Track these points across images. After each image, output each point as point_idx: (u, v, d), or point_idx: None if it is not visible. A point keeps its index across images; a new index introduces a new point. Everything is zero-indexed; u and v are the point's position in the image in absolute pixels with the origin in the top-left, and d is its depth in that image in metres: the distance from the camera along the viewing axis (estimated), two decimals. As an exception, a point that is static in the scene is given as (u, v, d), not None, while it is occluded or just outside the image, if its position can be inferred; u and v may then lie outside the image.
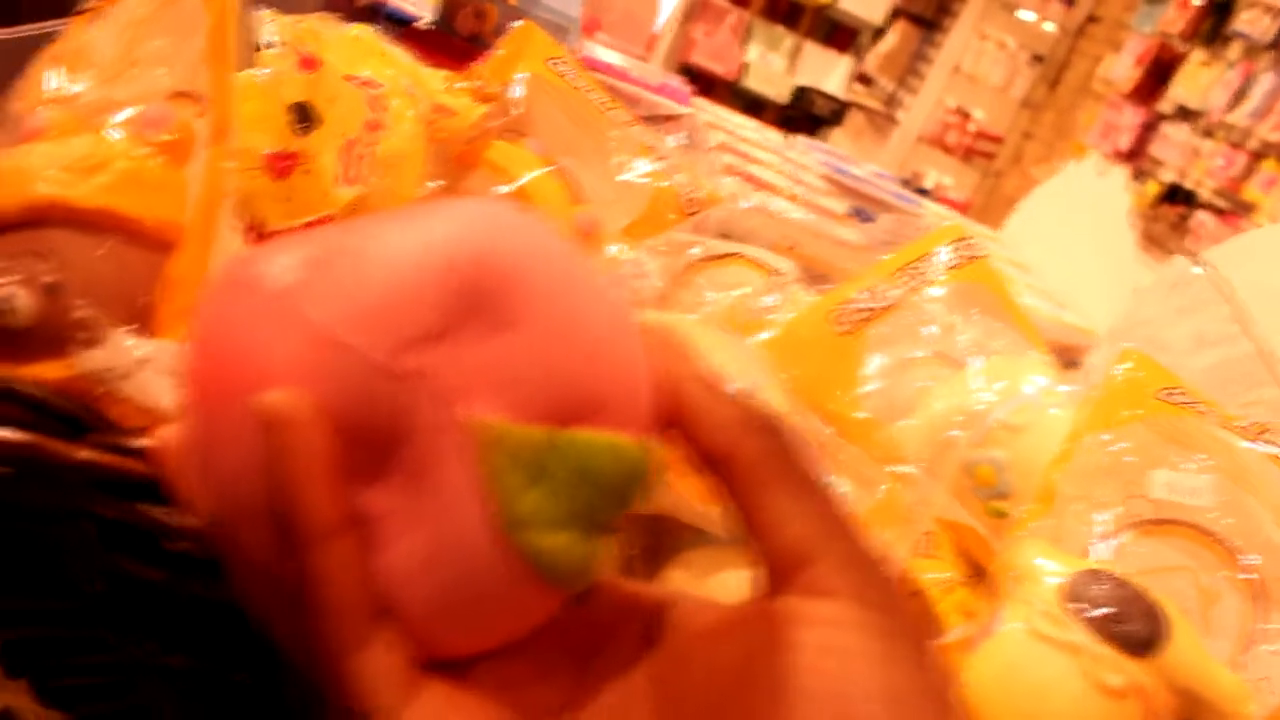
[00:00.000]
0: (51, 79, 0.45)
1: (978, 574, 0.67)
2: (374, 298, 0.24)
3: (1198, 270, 0.92)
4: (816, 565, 0.26)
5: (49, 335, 0.39)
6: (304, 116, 0.51)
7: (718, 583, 0.52)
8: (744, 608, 0.27)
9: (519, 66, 0.69)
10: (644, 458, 0.26)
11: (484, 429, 0.24)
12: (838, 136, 4.04)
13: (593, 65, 0.79)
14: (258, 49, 0.50)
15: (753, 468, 0.27)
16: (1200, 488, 0.58)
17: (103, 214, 0.40)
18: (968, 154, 4.93)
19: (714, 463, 0.27)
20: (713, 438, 0.27)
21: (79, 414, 0.38)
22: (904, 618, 0.26)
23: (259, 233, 0.53)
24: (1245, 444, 0.58)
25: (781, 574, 0.26)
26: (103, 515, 0.37)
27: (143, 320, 0.41)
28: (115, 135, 0.42)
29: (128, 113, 0.42)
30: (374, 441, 0.24)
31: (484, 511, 0.24)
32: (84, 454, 0.36)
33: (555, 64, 0.70)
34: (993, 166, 4.97)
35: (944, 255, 0.75)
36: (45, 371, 0.39)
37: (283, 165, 0.51)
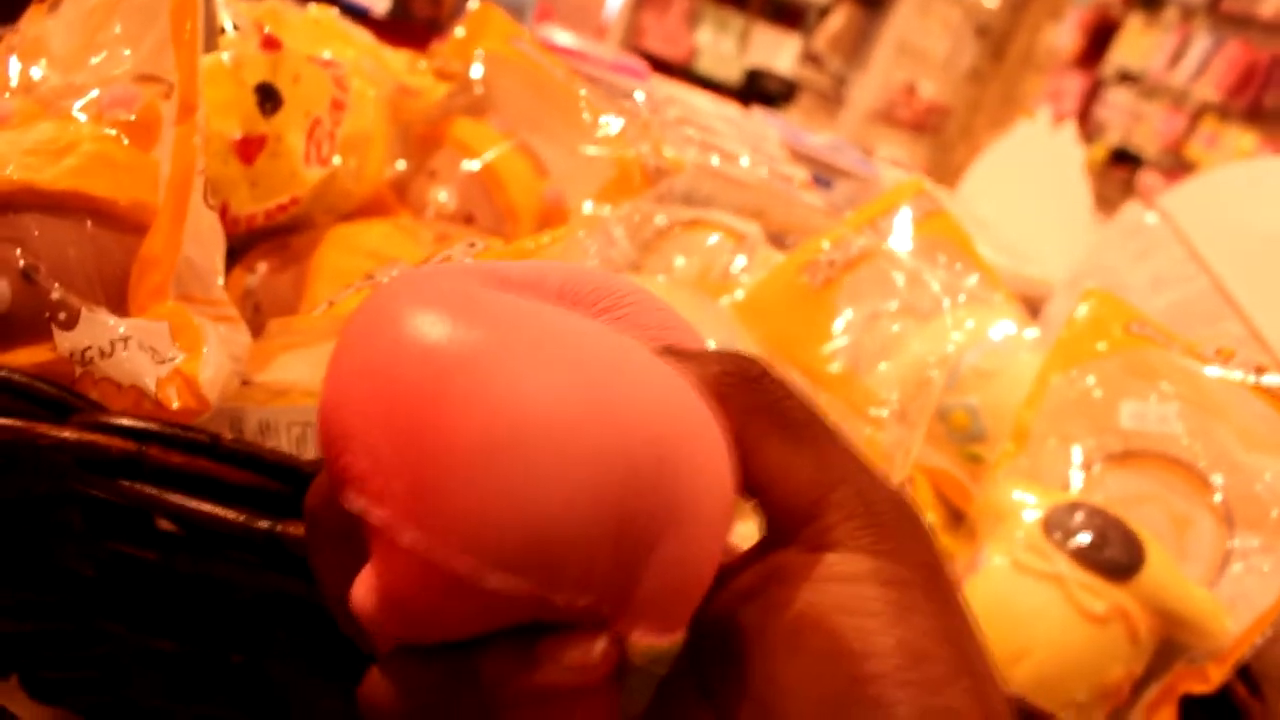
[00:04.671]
0: (11, 68, 0.45)
1: (956, 519, 0.68)
2: (539, 538, 0.22)
3: (1151, 216, 0.94)
4: (824, 516, 0.24)
5: (26, 319, 0.39)
6: (268, 96, 0.51)
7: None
8: (753, 566, 0.26)
9: (480, 45, 0.69)
10: None
11: (634, 651, 0.24)
12: (789, 116, 4.07)
13: (549, 48, 0.79)
14: (221, 33, 0.50)
15: (747, 417, 0.25)
16: (1167, 415, 0.59)
17: (73, 196, 0.40)
18: (917, 127, 4.97)
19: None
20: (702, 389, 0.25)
21: (62, 396, 0.38)
22: (919, 563, 0.24)
23: (228, 218, 0.53)
24: (1209, 369, 0.59)
25: (788, 527, 0.25)
26: (91, 496, 0.37)
27: (118, 300, 0.41)
28: (81, 119, 0.42)
29: (92, 96, 0.42)
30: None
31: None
32: (69, 434, 0.36)
33: (515, 42, 0.70)
34: (942, 139, 5.01)
35: (906, 210, 0.76)
36: (25, 356, 0.39)
37: (250, 148, 0.51)
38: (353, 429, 0.23)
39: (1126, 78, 4.43)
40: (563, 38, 1.13)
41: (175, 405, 0.37)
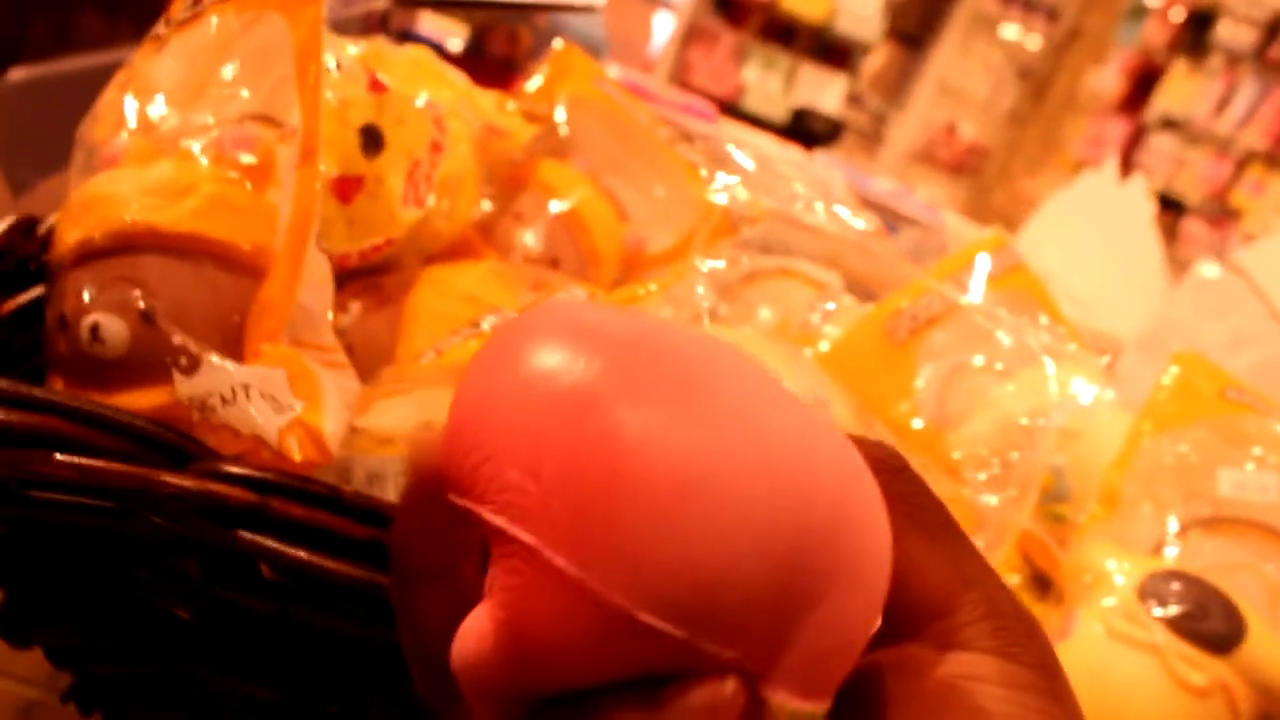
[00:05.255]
0: (127, 105, 0.45)
1: (1037, 579, 0.67)
2: (698, 580, 0.21)
3: (1212, 270, 0.92)
4: (954, 615, 0.25)
5: (144, 363, 0.39)
6: (372, 139, 0.51)
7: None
8: (876, 655, 0.26)
9: (564, 86, 0.69)
10: None
11: (780, 714, 0.23)
12: (833, 155, 4.07)
13: (630, 89, 0.79)
14: (324, 72, 0.50)
15: (889, 507, 0.25)
16: (1268, 485, 0.58)
17: (193, 239, 0.40)
18: (956, 168, 4.97)
19: None
20: None
21: (179, 442, 0.37)
22: (1041, 667, 0.24)
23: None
24: (1309, 439, 0.58)
25: (915, 621, 0.25)
26: (207, 545, 0.36)
27: (236, 345, 0.40)
28: (201, 159, 0.42)
29: (211, 137, 0.42)
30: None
31: None
32: (190, 483, 0.35)
33: (598, 83, 0.70)
34: (981, 181, 5.00)
35: (986, 263, 0.75)
36: (141, 400, 0.39)
37: (349, 188, 0.51)
38: (508, 437, 0.22)
39: (1170, 124, 4.41)
40: (626, 76, 1.13)
41: (298, 457, 0.37)
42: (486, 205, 0.65)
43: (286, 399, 0.38)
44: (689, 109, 0.98)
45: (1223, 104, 4.22)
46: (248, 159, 0.42)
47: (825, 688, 0.23)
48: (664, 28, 3.63)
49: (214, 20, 0.45)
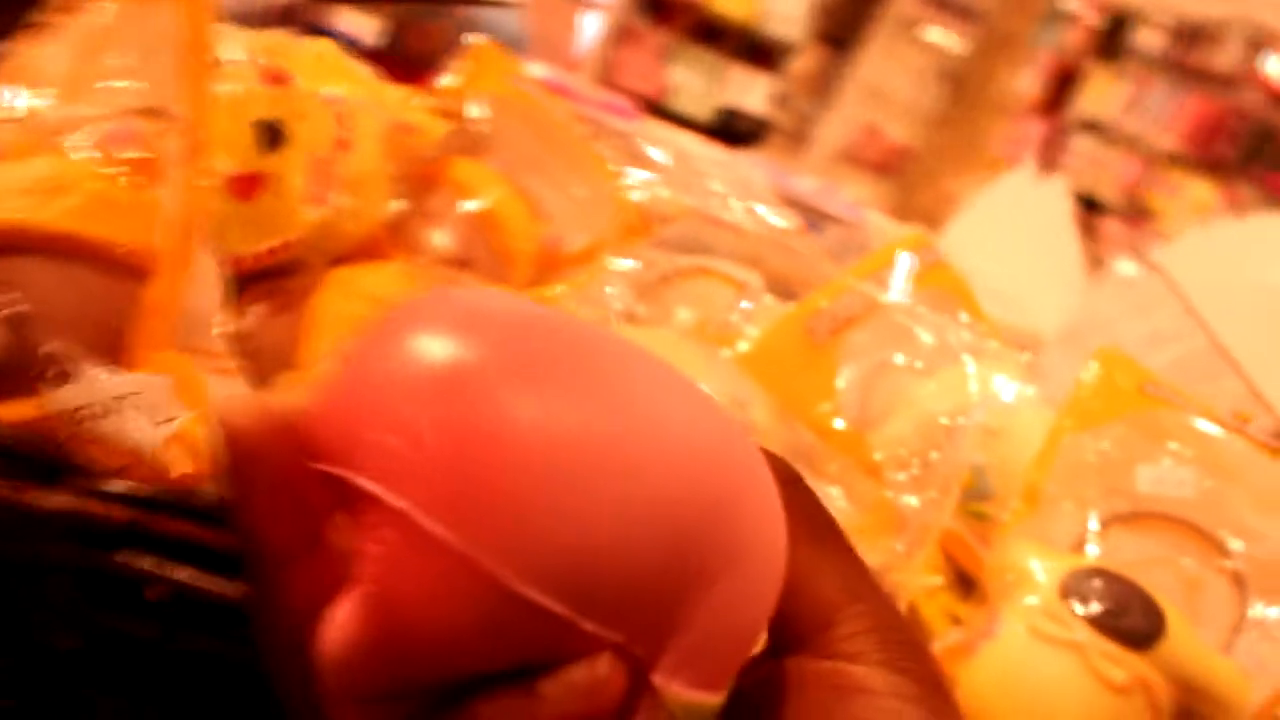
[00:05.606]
0: (3, 96, 0.42)
1: (961, 578, 0.66)
2: (581, 552, 0.20)
3: (1129, 267, 0.94)
4: (841, 626, 0.25)
5: (14, 372, 0.37)
6: (272, 134, 0.48)
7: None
8: (758, 670, 0.26)
9: (480, 82, 0.67)
10: None
11: (671, 703, 0.22)
12: (758, 155, 4.10)
13: (549, 86, 0.78)
14: (217, 63, 0.48)
15: None
16: (1185, 479, 0.58)
17: (70, 239, 0.38)
18: (881, 169, 5.02)
19: None
20: None
21: (49, 458, 0.35)
22: (928, 679, 0.25)
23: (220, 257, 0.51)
24: (1224, 434, 0.59)
25: (801, 631, 0.25)
26: (80, 567, 0.34)
27: (116, 353, 0.38)
28: (80, 155, 0.39)
29: (92, 130, 0.40)
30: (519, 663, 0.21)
31: None
32: (58, 501, 0.33)
33: (515, 80, 0.68)
34: (906, 181, 5.05)
35: (908, 262, 0.75)
36: (10, 412, 0.36)
37: (248, 186, 0.49)
38: (390, 408, 0.21)
39: (1088, 125, 4.51)
40: (547, 73, 1.11)
41: (179, 471, 0.34)
42: (397, 205, 0.63)
43: (169, 410, 0.36)
44: (609, 107, 0.97)
45: (1138, 107, 4.33)
46: (131, 154, 0.39)
47: (718, 678, 0.23)
48: (591, 27, 3.62)
49: (101, 7, 0.43)
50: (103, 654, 0.38)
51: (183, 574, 0.34)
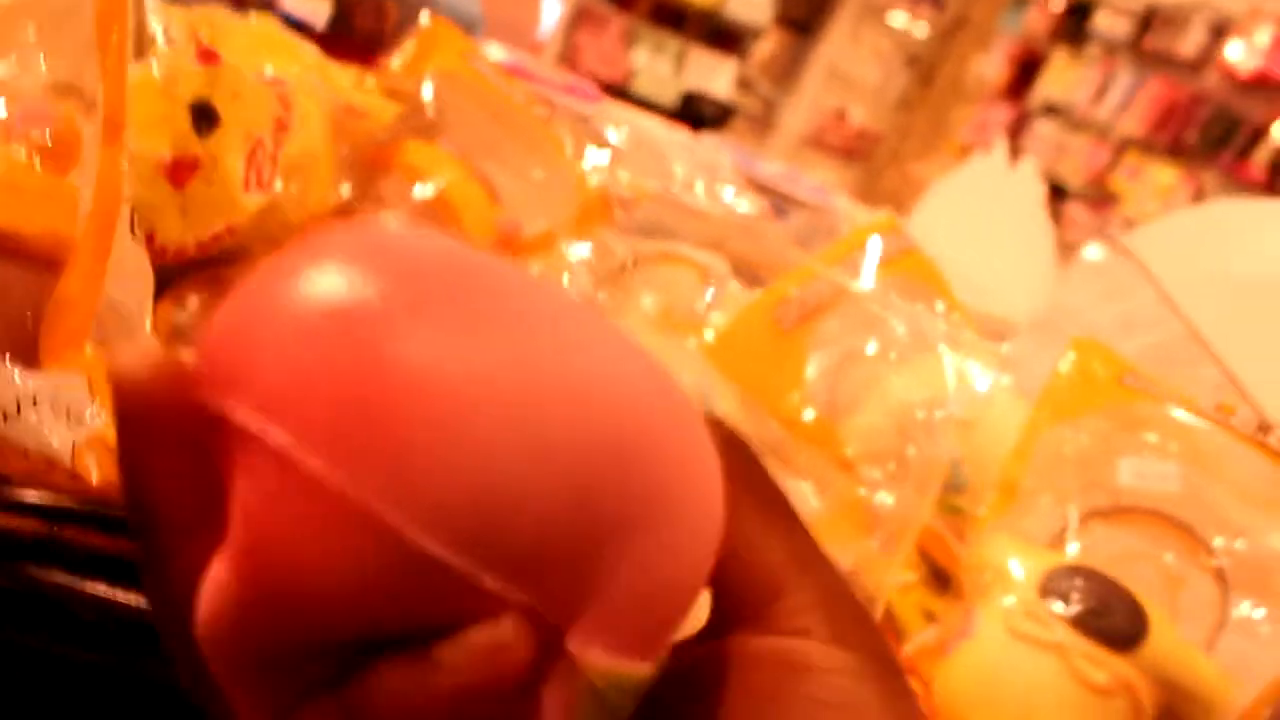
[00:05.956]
0: (-96, 76, 0.39)
1: (935, 573, 0.65)
2: (478, 497, 0.18)
3: (1096, 252, 0.92)
4: (788, 599, 0.23)
5: (-85, 372, 0.33)
6: (204, 116, 0.45)
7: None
8: (701, 647, 0.24)
9: (432, 62, 0.64)
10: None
11: (589, 671, 0.20)
12: (722, 138, 4.08)
13: (505, 68, 0.75)
14: (151, 41, 0.45)
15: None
16: (1168, 473, 0.56)
17: (-25, 228, 0.35)
18: (847, 154, 5.02)
19: None
20: None
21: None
22: (879, 657, 0.23)
23: (154, 247, 0.48)
24: (1206, 425, 0.57)
25: (745, 605, 0.23)
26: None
27: (27, 351, 0.35)
28: (-14, 136, 0.36)
29: (0, 109, 0.36)
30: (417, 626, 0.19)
31: None
32: (-35, 511, 0.30)
33: (469, 60, 0.65)
34: (871, 165, 5.06)
35: (878, 247, 0.73)
36: (-88, 415, 0.33)
37: (182, 171, 0.46)
38: (277, 330, 0.19)
39: (1051, 110, 4.53)
40: (508, 56, 1.08)
41: (96, 478, 0.31)
42: (345, 190, 0.60)
43: (85, 411, 0.33)
44: (571, 89, 0.94)
45: (1101, 91, 4.35)
46: (42, 135, 0.36)
47: (644, 645, 0.21)
48: (552, 11, 3.58)
49: (9, -24, 0.39)
50: (13, 674, 0.35)
51: (98, 589, 0.31)
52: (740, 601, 0.24)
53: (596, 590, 0.20)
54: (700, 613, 0.23)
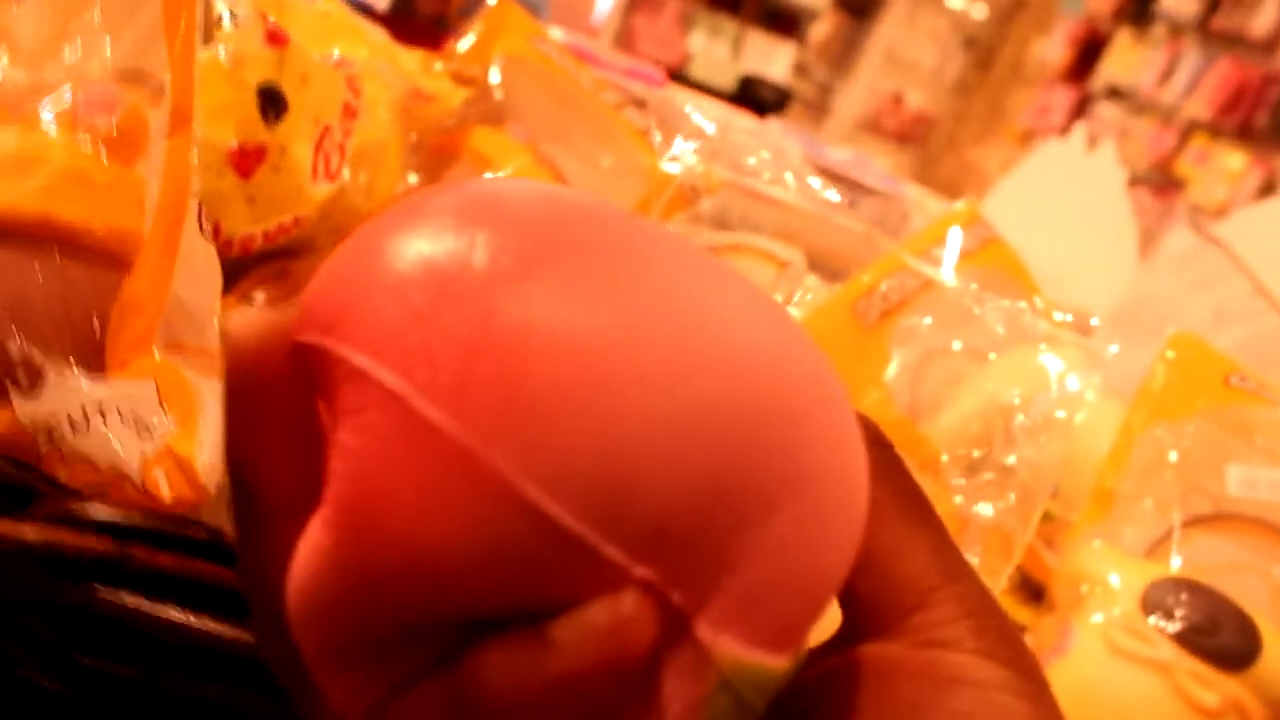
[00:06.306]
0: (-33, 62, 0.37)
1: (1024, 582, 0.62)
2: (605, 462, 0.17)
3: (1202, 245, 0.88)
4: (933, 610, 0.22)
5: (-22, 375, 0.32)
6: (272, 101, 0.43)
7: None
8: (835, 656, 0.23)
9: (499, 46, 0.62)
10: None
11: (721, 662, 0.18)
12: (785, 124, 4.04)
13: (571, 50, 0.73)
14: (218, 23, 0.43)
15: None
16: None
17: (40, 223, 0.33)
18: (903, 138, 4.95)
19: None
20: None
21: (19, 479, 0.30)
22: (1033, 674, 0.22)
23: (220, 239, 0.46)
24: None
25: (889, 617, 0.22)
26: (58, 605, 0.29)
27: (96, 354, 0.33)
28: (50, 125, 0.34)
29: (65, 98, 0.35)
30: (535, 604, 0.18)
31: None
32: (32, 531, 0.29)
33: (537, 43, 0.63)
34: (928, 150, 4.99)
35: (959, 238, 0.70)
36: (-25, 422, 0.32)
37: (249, 160, 0.44)
38: (392, 272, 0.17)
39: (1115, 93, 4.42)
40: (569, 39, 1.06)
41: (167, 494, 0.30)
42: (413, 179, 0.58)
43: (155, 421, 0.31)
44: (635, 73, 0.91)
45: (1167, 74, 4.24)
46: (108, 125, 0.34)
47: (781, 637, 0.19)
48: (609, -7, 3.56)
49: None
50: (87, 697, 0.34)
51: (170, 613, 0.29)
52: (878, 609, 0.22)
53: (730, 573, 0.18)
54: (831, 619, 0.22)
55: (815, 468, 0.19)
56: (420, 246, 0.18)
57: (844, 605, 0.23)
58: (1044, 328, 0.60)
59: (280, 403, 0.19)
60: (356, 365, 0.17)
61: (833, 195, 0.81)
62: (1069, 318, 0.77)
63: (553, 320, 0.17)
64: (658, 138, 0.68)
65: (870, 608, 0.23)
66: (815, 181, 0.60)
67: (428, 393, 0.16)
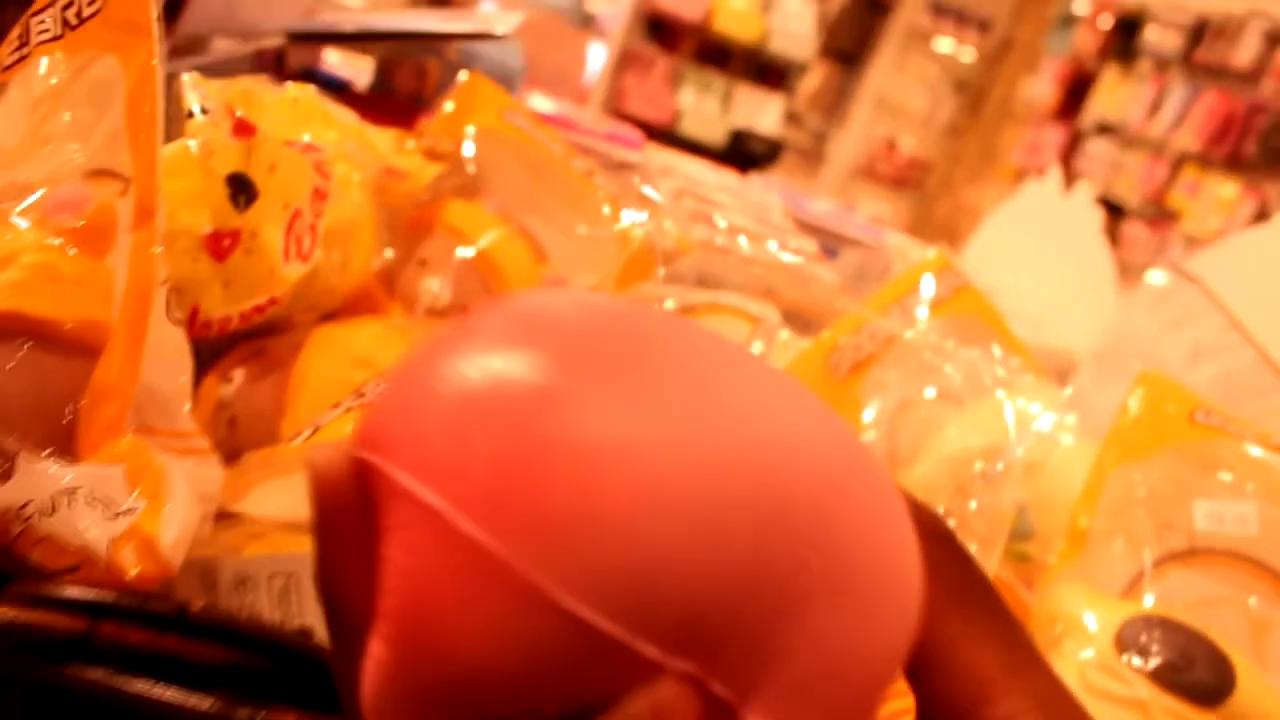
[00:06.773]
0: (-55, 167, 0.39)
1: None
2: (632, 566, 0.17)
3: (1159, 276, 0.89)
4: (999, 705, 0.22)
5: (-46, 465, 0.33)
6: (241, 188, 0.45)
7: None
8: None
9: (471, 120, 0.64)
10: None
11: None
12: (773, 176, 4.08)
13: (544, 119, 0.74)
14: (188, 116, 0.45)
15: (927, 578, 0.22)
16: (1247, 516, 0.54)
17: (12, 317, 0.34)
18: (898, 183, 4.99)
19: None
20: None
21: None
22: None
23: (199, 321, 0.47)
24: (1284, 462, 0.54)
25: (956, 711, 0.22)
26: (30, 683, 0.31)
27: (65, 440, 0.34)
28: (22, 224, 0.36)
29: (35, 198, 0.37)
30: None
31: None
32: (5, 611, 0.30)
33: (509, 116, 0.65)
34: (923, 193, 5.02)
35: (931, 288, 0.71)
36: (-48, 510, 0.33)
37: (222, 244, 0.46)
38: (439, 398, 0.18)
39: (1105, 129, 4.46)
40: (551, 106, 1.08)
41: (133, 571, 0.31)
42: (389, 254, 0.60)
43: (123, 500, 0.32)
44: (614, 138, 0.93)
45: (1154, 108, 4.28)
46: (77, 222, 0.36)
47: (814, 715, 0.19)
48: (597, 55, 3.61)
49: (43, 63, 0.40)
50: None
51: (140, 687, 0.30)
52: (946, 704, 0.22)
53: (773, 664, 0.18)
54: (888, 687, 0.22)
55: (853, 563, 0.19)
56: (460, 366, 0.19)
57: (917, 701, 0.23)
58: (1009, 376, 0.61)
59: (357, 526, 0.19)
60: (399, 481, 0.18)
61: (805, 250, 0.82)
62: (1044, 357, 0.78)
63: (578, 431, 0.18)
64: (632, 204, 0.70)
65: (938, 703, 0.22)
66: (778, 237, 0.61)
67: (463, 507, 0.17)
